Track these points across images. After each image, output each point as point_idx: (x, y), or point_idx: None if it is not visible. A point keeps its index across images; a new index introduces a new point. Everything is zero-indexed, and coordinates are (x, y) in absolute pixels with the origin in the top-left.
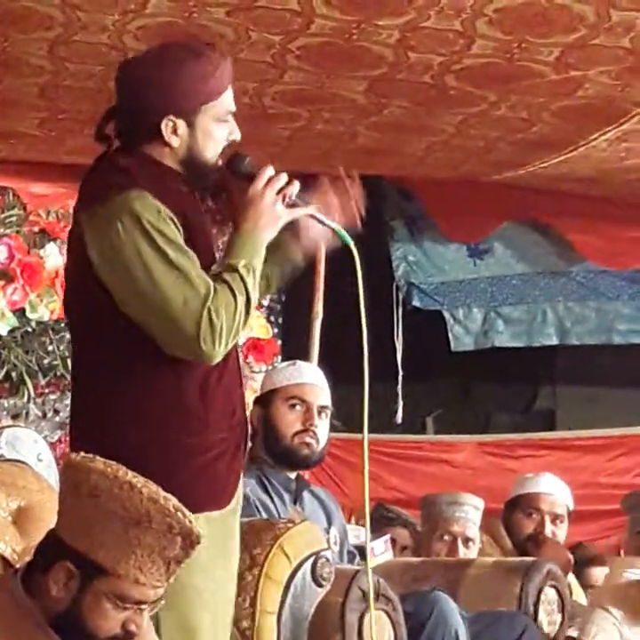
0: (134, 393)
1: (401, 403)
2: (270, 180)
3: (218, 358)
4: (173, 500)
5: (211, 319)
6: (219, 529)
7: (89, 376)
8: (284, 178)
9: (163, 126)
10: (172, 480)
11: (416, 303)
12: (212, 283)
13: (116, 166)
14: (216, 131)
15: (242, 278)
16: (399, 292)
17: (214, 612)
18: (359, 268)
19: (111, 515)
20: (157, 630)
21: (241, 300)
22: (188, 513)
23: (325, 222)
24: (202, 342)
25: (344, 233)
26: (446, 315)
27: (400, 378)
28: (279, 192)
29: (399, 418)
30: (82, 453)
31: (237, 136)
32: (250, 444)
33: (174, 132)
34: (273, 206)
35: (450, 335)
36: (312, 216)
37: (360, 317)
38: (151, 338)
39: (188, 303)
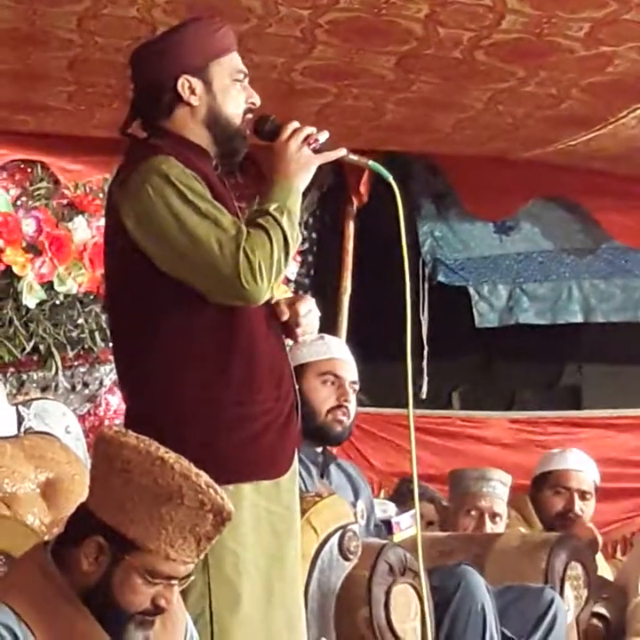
0: (178, 361)
1: (426, 378)
2: (295, 130)
3: (263, 297)
4: (205, 477)
5: (248, 258)
6: (268, 498)
7: (130, 345)
8: (309, 128)
9: (179, 87)
10: (218, 449)
11: (441, 279)
12: (244, 226)
13: (143, 143)
14: (232, 89)
15: (275, 218)
16: (425, 268)
17: (260, 581)
18: (400, 203)
19: (143, 490)
20: (207, 594)
21: (276, 238)
22: (219, 489)
23: (359, 161)
24: (243, 282)
25: (382, 169)
26: (471, 291)
27: (425, 353)
28: (305, 140)
29: (424, 393)
30: (114, 427)
31: (257, 100)
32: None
33: (192, 91)
34: (299, 153)
35: (474, 311)
36: (343, 157)
37: (403, 261)
38: (195, 302)
39: (223, 247)
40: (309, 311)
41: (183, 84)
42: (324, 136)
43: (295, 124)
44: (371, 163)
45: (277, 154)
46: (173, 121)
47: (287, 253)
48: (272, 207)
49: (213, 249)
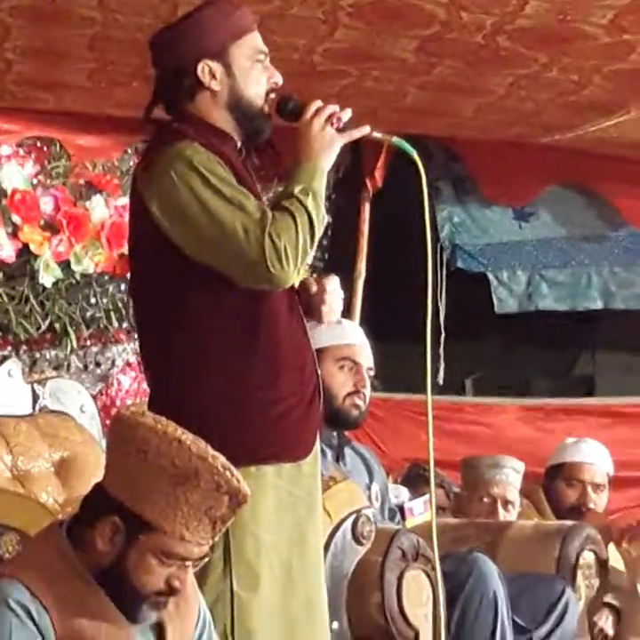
0: (202, 343)
1: (442, 364)
2: (318, 110)
3: (290, 280)
4: (222, 459)
5: (273, 242)
6: (290, 481)
7: (155, 328)
8: (332, 107)
9: (199, 72)
10: (241, 431)
11: (460, 265)
12: (269, 210)
13: (167, 128)
14: (253, 70)
15: (299, 200)
16: (443, 254)
17: (280, 564)
18: (424, 180)
19: (159, 471)
20: (228, 576)
21: (301, 221)
22: (236, 472)
23: (383, 138)
24: (270, 266)
25: (407, 146)
26: (490, 277)
27: (442, 339)
28: (328, 119)
29: (440, 379)
30: (131, 408)
31: (279, 80)
32: None
33: (212, 76)
34: (322, 132)
35: (494, 297)
36: (367, 135)
37: (425, 243)
38: (219, 287)
39: (249, 232)
40: (335, 289)
41: (203, 69)
42: (347, 114)
43: (318, 104)
44: (395, 139)
45: (301, 134)
46: (196, 105)
47: (313, 235)
48: (297, 189)
49: (239, 234)
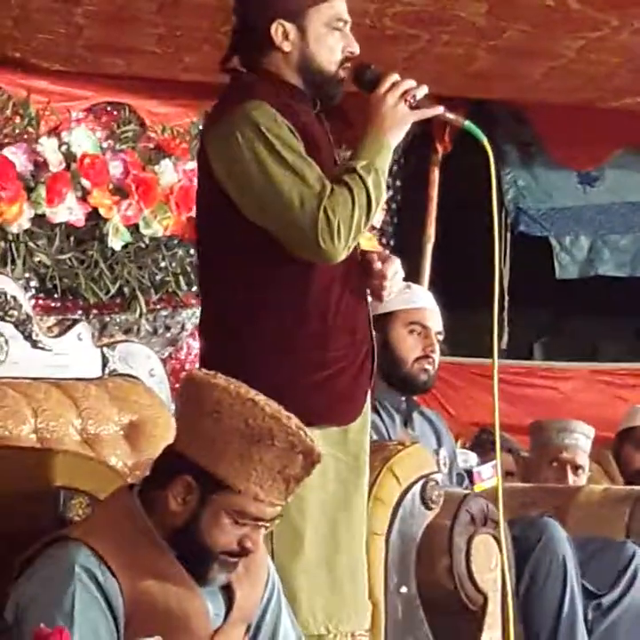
0: (255, 304)
1: (506, 329)
2: (394, 84)
3: (339, 257)
4: (295, 419)
5: (327, 217)
6: (336, 446)
7: (213, 288)
8: (408, 82)
9: (273, 31)
10: (287, 393)
11: (523, 229)
12: (329, 183)
13: (238, 84)
14: (328, 38)
15: (361, 177)
16: (508, 218)
17: (324, 525)
18: (493, 166)
19: (233, 431)
20: (269, 535)
21: (360, 198)
22: (309, 432)
23: (455, 121)
24: (320, 240)
25: (477, 131)
26: (553, 242)
27: (506, 304)
28: (403, 95)
29: (504, 343)
30: (203, 370)
31: (355, 49)
32: None
33: (285, 37)
34: (395, 108)
35: (555, 262)
36: (440, 115)
37: (493, 221)
38: (275, 249)
39: (304, 203)
40: (396, 273)
41: (277, 28)
42: (422, 92)
43: (395, 77)
44: (466, 123)
45: (373, 106)
46: (270, 62)
47: (369, 214)
48: (360, 165)
49: (294, 203)
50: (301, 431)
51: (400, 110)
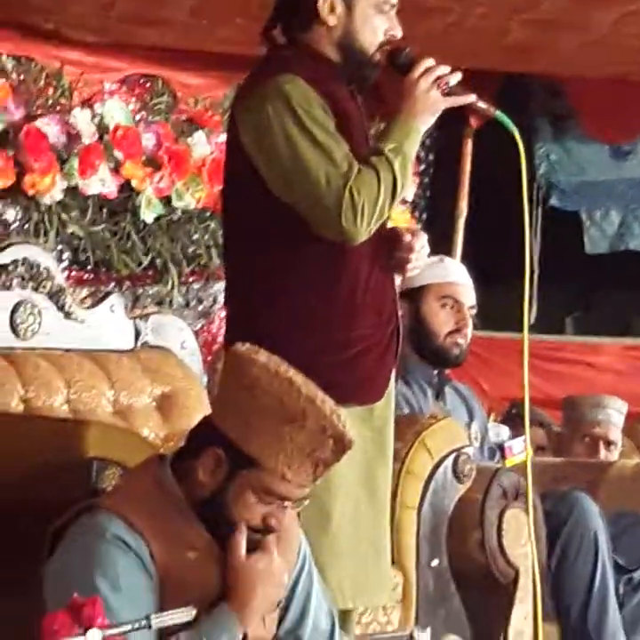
0: (281, 284)
1: (536, 303)
2: (428, 69)
3: (361, 238)
4: (330, 403)
5: (352, 197)
6: (362, 423)
7: (239, 262)
8: (442, 68)
9: (320, 2)
10: (312, 371)
11: (554, 202)
12: (356, 164)
13: (274, 56)
14: (374, 19)
15: (388, 160)
16: (539, 192)
17: (349, 501)
18: (523, 157)
19: (267, 408)
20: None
21: (386, 181)
22: (343, 417)
23: (487, 110)
24: (343, 220)
25: (508, 121)
26: (583, 216)
27: (536, 278)
28: (436, 81)
29: (533, 318)
30: (247, 344)
31: (398, 33)
32: None
33: (331, 10)
34: (427, 93)
35: (585, 237)
36: (471, 104)
37: (522, 210)
38: (301, 226)
39: (330, 181)
40: (422, 248)
41: (325, 1)
42: (455, 78)
43: (429, 63)
44: (497, 113)
45: (406, 90)
46: (310, 35)
47: (394, 197)
48: (388, 147)
49: (320, 181)
50: (334, 415)
51: (432, 96)
